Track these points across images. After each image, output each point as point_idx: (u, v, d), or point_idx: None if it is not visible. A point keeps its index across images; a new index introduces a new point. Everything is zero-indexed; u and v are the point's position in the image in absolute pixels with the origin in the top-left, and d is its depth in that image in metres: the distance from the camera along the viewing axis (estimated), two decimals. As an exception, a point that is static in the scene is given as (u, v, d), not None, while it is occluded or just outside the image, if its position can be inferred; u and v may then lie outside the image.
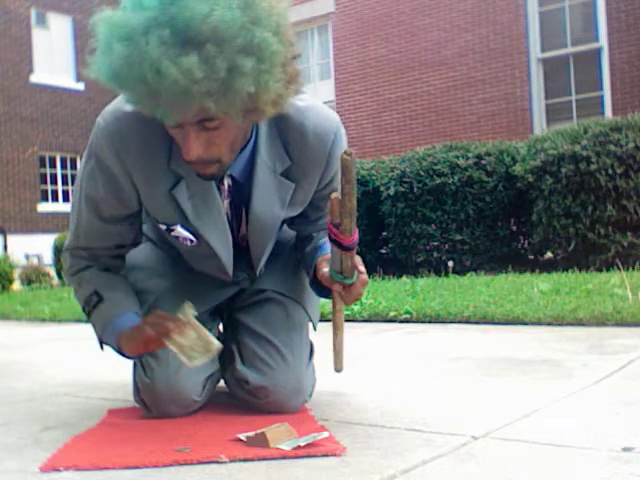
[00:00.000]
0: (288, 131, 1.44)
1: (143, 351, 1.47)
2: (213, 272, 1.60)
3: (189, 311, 1.38)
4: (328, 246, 1.40)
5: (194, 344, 1.37)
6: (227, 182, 1.47)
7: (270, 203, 1.48)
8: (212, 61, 1.14)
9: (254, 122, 1.36)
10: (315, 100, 1.50)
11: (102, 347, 1.57)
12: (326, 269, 1.42)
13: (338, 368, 1.51)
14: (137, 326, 1.44)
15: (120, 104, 1.41)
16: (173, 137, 1.32)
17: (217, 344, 1.39)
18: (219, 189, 1.47)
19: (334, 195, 1.30)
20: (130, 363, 1.66)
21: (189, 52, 1.13)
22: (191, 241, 1.49)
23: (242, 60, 1.16)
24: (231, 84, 1.17)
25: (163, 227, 1.50)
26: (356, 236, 1.33)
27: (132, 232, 1.55)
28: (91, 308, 1.53)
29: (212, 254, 1.51)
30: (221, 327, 1.77)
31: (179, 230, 1.48)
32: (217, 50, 1.14)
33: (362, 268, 1.39)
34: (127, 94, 1.25)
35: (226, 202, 1.49)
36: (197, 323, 1.38)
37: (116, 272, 1.59)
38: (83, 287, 1.55)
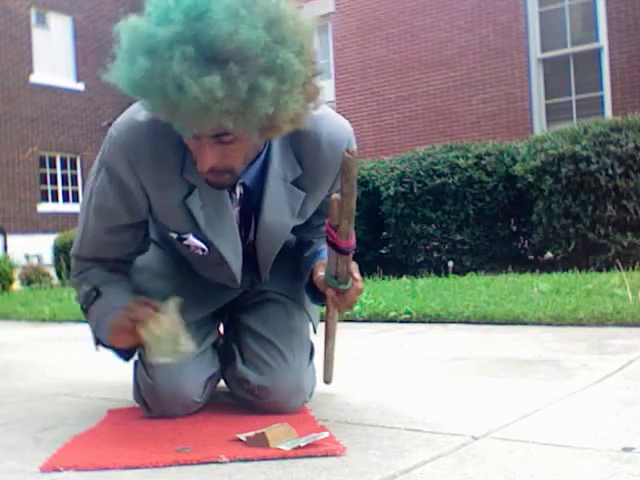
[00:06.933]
0: (301, 140, 1.44)
1: (131, 342, 1.41)
2: (221, 279, 1.60)
3: (172, 305, 1.35)
4: (327, 253, 1.40)
5: (166, 337, 1.33)
6: (239, 190, 1.48)
7: (280, 212, 1.49)
8: (234, 81, 1.14)
9: (270, 138, 1.36)
10: (327, 108, 1.50)
11: (97, 346, 1.55)
12: (322, 273, 1.42)
13: (327, 379, 1.51)
14: (118, 314, 1.42)
15: (132, 114, 1.41)
16: (188, 146, 1.32)
17: (188, 347, 1.35)
18: (231, 197, 1.47)
19: (334, 196, 1.30)
20: (130, 363, 1.66)
21: (212, 71, 1.13)
22: (202, 250, 1.49)
23: (263, 80, 1.16)
24: (251, 104, 1.17)
25: (174, 236, 1.50)
26: (353, 241, 1.34)
27: (137, 240, 1.55)
28: (89, 304, 1.52)
29: (222, 262, 1.51)
30: (221, 328, 1.77)
31: (191, 239, 1.48)
32: (239, 69, 1.14)
33: (357, 276, 1.39)
34: (147, 103, 1.24)
35: (236, 210, 1.49)
36: (176, 319, 1.34)
37: (122, 271, 1.58)
38: (84, 285, 1.54)
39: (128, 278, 1.60)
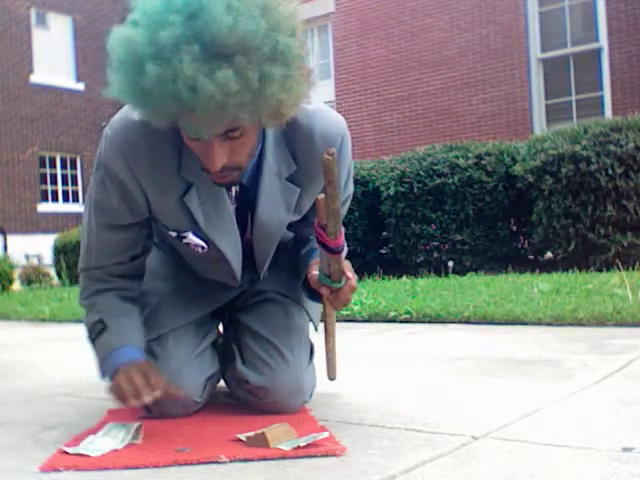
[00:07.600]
0: (295, 135, 1.44)
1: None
2: (220, 277, 1.60)
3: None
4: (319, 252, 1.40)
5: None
6: (235, 188, 1.47)
7: (276, 208, 1.48)
8: (244, 72, 1.13)
9: (274, 126, 1.35)
10: (321, 103, 1.50)
11: (103, 376, 1.52)
12: (316, 272, 1.42)
13: (331, 376, 1.52)
14: (122, 375, 1.43)
15: (127, 113, 1.39)
16: (192, 149, 1.30)
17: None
18: (227, 194, 1.47)
19: (320, 196, 1.30)
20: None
21: (222, 66, 1.12)
22: (202, 248, 1.49)
23: (270, 68, 1.16)
24: (263, 93, 1.17)
25: (174, 234, 1.49)
26: (342, 240, 1.33)
27: (142, 238, 1.54)
28: (95, 336, 1.51)
29: (222, 259, 1.51)
30: (221, 327, 1.77)
31: (191, 237, 1.48)
32: (246, 61, 1.13)
33: (350, 274, 1.39)
34: (154, 112, 1.21)
35: (233, 207, 1.49)
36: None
37: (131, 296, 1.56)
38: (91, 313, 1.53)
39: (137, 305, 1.57)
